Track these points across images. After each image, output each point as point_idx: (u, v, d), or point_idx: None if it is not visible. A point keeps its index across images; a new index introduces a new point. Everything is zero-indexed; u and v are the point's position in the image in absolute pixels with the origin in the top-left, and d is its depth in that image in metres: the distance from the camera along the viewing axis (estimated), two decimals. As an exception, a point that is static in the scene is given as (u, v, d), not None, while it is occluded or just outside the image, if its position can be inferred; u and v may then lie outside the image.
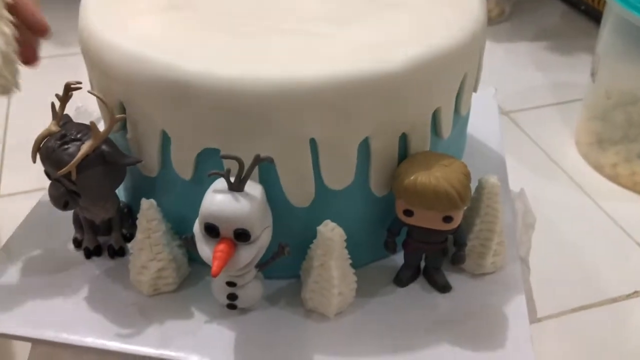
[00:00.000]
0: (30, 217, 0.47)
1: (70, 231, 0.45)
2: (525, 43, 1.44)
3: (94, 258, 0.44)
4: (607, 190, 1.01)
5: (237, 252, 0.35)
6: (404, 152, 0.39)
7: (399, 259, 0.44)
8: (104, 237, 0.44)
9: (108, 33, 0.38)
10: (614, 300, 0.74)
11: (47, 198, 0.38)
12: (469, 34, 0.39)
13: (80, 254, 0.44)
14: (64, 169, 0.36)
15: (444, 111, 0.40)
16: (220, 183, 0.35)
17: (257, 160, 0.34)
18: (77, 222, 0.44)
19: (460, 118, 0.43)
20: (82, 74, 0.42)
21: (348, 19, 0.39)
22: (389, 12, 0.40)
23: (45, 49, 0.43)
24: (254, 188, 0.35)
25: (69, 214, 0.44)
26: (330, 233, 0.37)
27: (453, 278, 0.43)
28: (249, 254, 0.35)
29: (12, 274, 0.43)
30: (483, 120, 0.56)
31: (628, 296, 0.75)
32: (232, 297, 0.39)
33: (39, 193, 0.49)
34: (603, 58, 0.99)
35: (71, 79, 0.39)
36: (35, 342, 0.39)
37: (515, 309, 0.41)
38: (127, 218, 0.44)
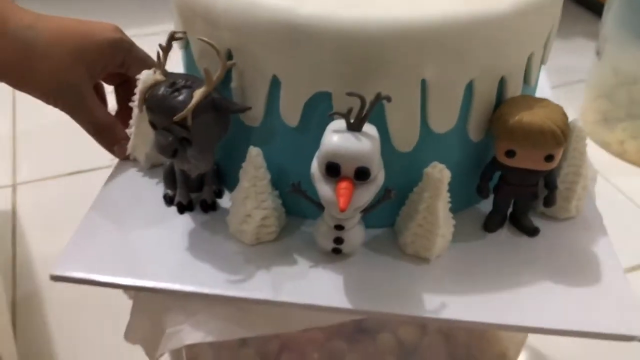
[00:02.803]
0: (112, 179, 0.47)
1: (151, 193, 0.45)
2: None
3: (187, 213, 0.44)
4: (616, 167, 1.05)
5: (356, 191, 0.36)
6: (500, 96, 0.40)
7: (483, 207, 0.45)
8: (196, 193, 0.44)
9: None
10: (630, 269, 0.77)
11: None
12: (558, -16, 0.41)
13: (171, 210, 0.44)
14: (181, 114, 0.36)
15: (535, 58, 0.41)
16: (338, 124, 0.36)
17: (378, 98, 0.35)
18: (170, 177, 0.44)
19: (541, 69, 0.45)
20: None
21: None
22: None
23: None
24: (369, 128, 0.36)
25: (145, 179, 0.44)
26: (439, 174, 0.38)
27: (537, 223, 0.44)
28: (367, 193, 0.36)
29: (107, 230, 0.43)
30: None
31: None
32: (338, 240, 0.40)
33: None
34: (609, 38, 1.03)
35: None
36: (147, 291, 0.39)
37: (604, 249, 0.42)
38: (217, 174, 0.45)
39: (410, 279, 0.40)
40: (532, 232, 0.43)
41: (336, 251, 0.40)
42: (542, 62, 0.44)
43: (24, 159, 1.01)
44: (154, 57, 0.40)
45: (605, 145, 1.05)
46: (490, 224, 0.44)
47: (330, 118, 0.37)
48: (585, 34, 1.34)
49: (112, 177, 0.47)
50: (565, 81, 1.22)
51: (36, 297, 0.75)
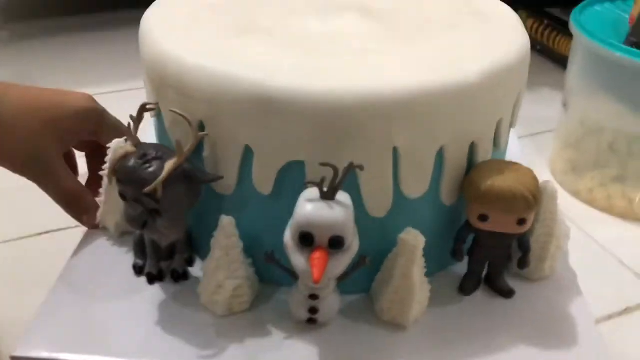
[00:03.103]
0: (80, 249, 0.46)
1: (120, 263, 0.44)
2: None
3: (157, 283, 0.43)
4: (586, 214, 1.07)
5: (331, 260, 0.35)
6: (471, 161, 0.41)
7: (457, 269, 0.45)
8: (167, 262, 0.43)
9: (190, 56, 0.38)
10: (609, 317, 0.77)
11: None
12: (524, 50, 0.42)
13: (140, 281, 0.43)
14: (151, 186, 0.36)
15: (504, 122, 0.42)
16: (311, 193, 0.36)
17: (350, 167, 0.35)
18: (140, 247, 0.43)
19: (510, 132, 0.46)
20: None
21: (412, 39, 0.41)
22: (447, 32, 0.43)
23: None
24: (343, 196, 0.36)
25: (115, 248, 0.44)
26: (414, 240, 0.38)
27: (512, 284, 0.44)
28: (342, 261, 0.36)
29: (74, 303, 0.41)
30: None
31: (620, 314, 0.78)
32: (313, 310, 0.39)
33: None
34: (574, 90, 1.06)
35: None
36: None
37: (580, 309, 0.42)
38: (189, 242, 0.44)
39: (387, 347, 0.39)
40: (508, 294, 0.43)
41: (311, 321, 0.40)
42: (511, 125, 0.45)
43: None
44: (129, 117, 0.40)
45: (575, 194, 1.06)
46: (466, 287, 0.44)
47: (304, 186, 0.36)
48: (551, 84, 1.37)
49: (81, 246, 0.46)
50: (534, 131, 1.25)
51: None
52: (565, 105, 1.10)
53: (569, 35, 0.99)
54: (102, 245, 0.46)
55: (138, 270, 0.43)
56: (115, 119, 0.49)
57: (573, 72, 1.06)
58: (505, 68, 0.39)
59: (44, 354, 0.37)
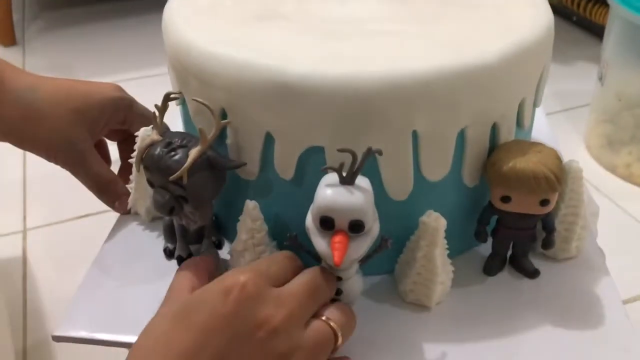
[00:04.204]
0: (113, 235, 0.48)
1: (151, 247, 0.46)
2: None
3: (187, 266, 0.44)
4: (623, 190, 1.04)
5: (352, 244, 0.36)
6: (493, 142, 0.41)
7: (483, 250, 0.45)
8: (196, 246, 0.44)
9: (210, 44, 0.39)
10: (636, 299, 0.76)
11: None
12: (545, 29, 0.41)
13: (171, 264, 0.45)
14: (176, 174, 0.37)
15: (526, 102, 0.42)
16: (331, 178, 0.36)
17: (369, 152, 0.35)
18: (169, 231, 0.44)
19: (535, 110, 0.45)
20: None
21: (432, 21, 0.41)
22: (467, 12, 0.42)
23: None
24: (362, 181, 0.37)
25: (146, 232, 0.45)
26: (435, 223, 0.39)
27: (537, 264, 0.44)
28: (362, 245, 0.36)
29: (108, 286, 0.43)
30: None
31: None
32: (337, 292, 0.40)
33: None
34: (610, 62, 1.03)
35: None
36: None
37: (606, 289, 0.42)
38: (217, 226, 0.45)
39: (410, 328, 0.40)
40: (532, 274, 0.43)
41: (335, 302, 0.41)
42: (535, 104, 0.44)
43: (34, 204, 1.03)
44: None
45: (612, 169, 1.04)
46: (490, 268, 0.44)
47: (324, 172, 0.37)
48: (586, 57, 1.34)
49: (113, 231, 0.48)
50: (569, 106, 1.22)
51: (47, 345, 0.76)
52: (601, 78, 1.07)
53: (606, 5, 0.96)
54: (134, 230, 0.48)
55: (168, 254, 0.45)
56: (144, 107, 0.50)
57: (609, 44, 1.03)
58: (527, 47, 0.39)
59: (82, 334, 0.39)
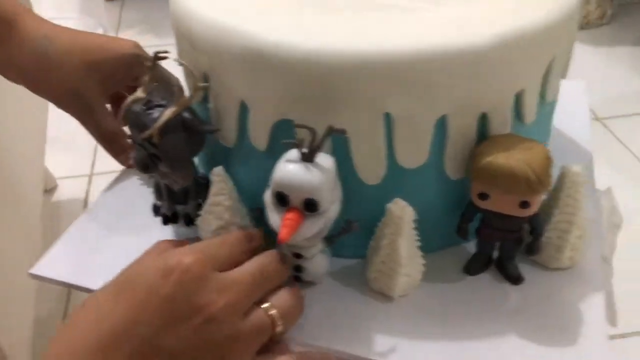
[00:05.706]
0: (114, 185, 0.50)
1: (144, 202, 0.47)
2: (625, 48, 1.36)
3: (171, 225, 0.45)
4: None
5: (305, 222, 0.35)
6: (483, 134, 0.38)
7: (471, 247, 0.43)
8: (182, 206, 0.45)
9: (198, 6, 0.39)
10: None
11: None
12: (559, 16, 0.37)
13: (157, 220, 0.46)
14: (147, 132, 0.38)
15: (528, 94, 0.38)
16: (293, 153, 0.36)
17: (330, 131, 0.34)
18: (158, 189, 0.45)
19: (545, 104, 0.42)
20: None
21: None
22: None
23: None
24: (325, 160, 0.35)
25: (143, 188, 0.46)
26: (400, 211, 0.37)
27: (526, 270, 0.41)
28: (315, 225, 0.35)
29: (95, 235, 0.45)
30: (571, 114, 0.53)
31: None
32: (298, 268, 0.39)
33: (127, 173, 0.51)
34: None
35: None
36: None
37: (592, 307, 0.38)
38: (205, 189, 0.45)
39: (369, 316, 0.39)
40: (515, 279, 0.40)
41: (296, 279, 0.40)
42: (543, 98, 0.40)
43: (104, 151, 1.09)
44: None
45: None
46: (471, 267, 0.41)
47: (288, 146, 0.36)
48: None
49: (113, 183, 0.50)
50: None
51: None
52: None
53: None
54: (132, 184, 0.50)
55: (155, 211, 0.46)
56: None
57: None
58: (527, 32, 0.36)
59: (57, 277, 0.42)
